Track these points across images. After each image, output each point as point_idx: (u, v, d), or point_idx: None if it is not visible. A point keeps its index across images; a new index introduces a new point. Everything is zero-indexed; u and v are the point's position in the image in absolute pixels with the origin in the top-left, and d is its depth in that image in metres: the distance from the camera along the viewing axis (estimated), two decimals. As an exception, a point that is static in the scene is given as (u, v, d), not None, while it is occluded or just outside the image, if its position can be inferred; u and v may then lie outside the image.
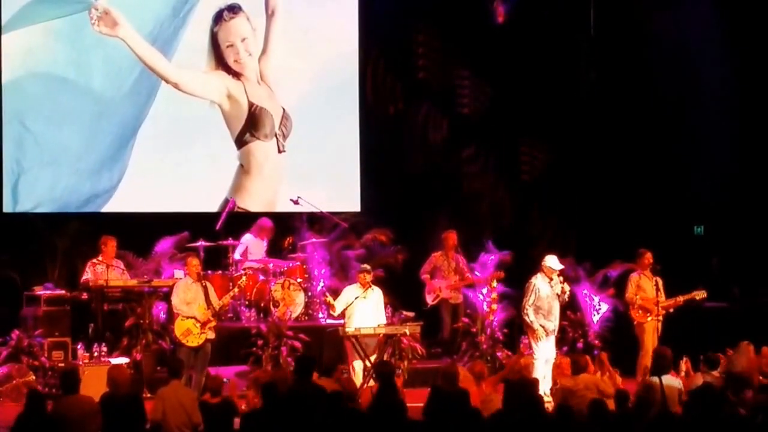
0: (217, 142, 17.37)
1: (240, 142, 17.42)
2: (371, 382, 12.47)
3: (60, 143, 16.61)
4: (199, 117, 17.30)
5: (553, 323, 13.93)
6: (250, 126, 17.42)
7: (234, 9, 17.41)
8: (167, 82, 17.10)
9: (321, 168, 17.48)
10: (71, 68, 16.73)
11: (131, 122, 16.99)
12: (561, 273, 14.10)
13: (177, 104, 17.25)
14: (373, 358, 13.44)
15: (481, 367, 12.02)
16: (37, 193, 16.39)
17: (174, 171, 17.13)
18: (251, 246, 15.88)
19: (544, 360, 13.79)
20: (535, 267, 14.15)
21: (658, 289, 14.47)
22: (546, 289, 13.87)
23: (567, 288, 14.04)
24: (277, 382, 10.58)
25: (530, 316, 13.82)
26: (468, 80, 18.09)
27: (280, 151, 17.55)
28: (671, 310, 14.62)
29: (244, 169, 17.41)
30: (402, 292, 15.50)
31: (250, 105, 17.43)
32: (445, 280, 15.62)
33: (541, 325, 13.81)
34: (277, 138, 17.55)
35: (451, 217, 17.10)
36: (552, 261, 13.93)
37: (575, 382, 11.27)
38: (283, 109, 17.62)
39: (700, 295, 14.60)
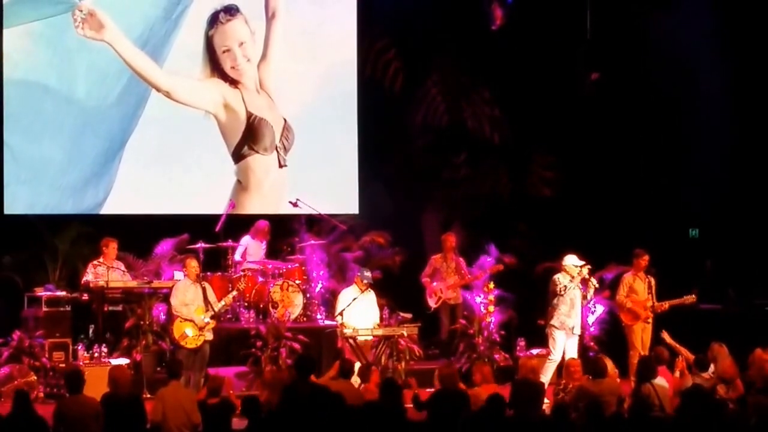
0: (213, 156, 16.62)
1: (237, 155, 16.71)
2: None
3: (40, 157, 15.79)
4: (193, 129, 16.53)
5: (573, 320, 14.02)
6: (249, 138, 16.71)
7: (231, 11, 16.65)
8: (158, 90, 16.32)
9: (319, 170, 17.04)
10: (52, 75, 15.88)
11: (118, 134, 16.17)
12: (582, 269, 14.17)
13: (169, 115, 16.42)
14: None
15: (486, 367, 12.10)
16: (14, 211, 15.69)
17: (165, 187, 16.39)
18: (250, 248, 15.90)
19: (559, 360, 13.87)
20: (532, 270, 14.33)
21: (650, 291, 14.61)
22: (569, 285, 13.98)
23: (594, 282, 14.18)
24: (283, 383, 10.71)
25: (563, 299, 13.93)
26: (466, 85, 18.15)
27: (281, 166, 16.87)
28: (658, 312, 14.72)
29: (242, 186, 16.73)
30: (400, 294, 15.60)
31: (249, 115, 16.71)
32: (445, 282, 15.73)
33: (561, 323, 13.94)
34: (277, 151, 16.84)
35: (449, 220, 17.23)
36: (572, 259, 14.08)
37: (599, 388, 11.04)
38: (285, 120, 16.92)
39: (689, 299, 14.69)
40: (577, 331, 14.11)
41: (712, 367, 11.78)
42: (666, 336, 13.00)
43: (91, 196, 16.14)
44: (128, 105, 16.24)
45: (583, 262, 14.13)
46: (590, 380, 11.36)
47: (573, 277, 14.05)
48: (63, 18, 15.90)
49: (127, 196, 16.28)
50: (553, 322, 13.97)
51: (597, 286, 14.36)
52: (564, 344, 13.97)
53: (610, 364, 11.91)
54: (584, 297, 14.18)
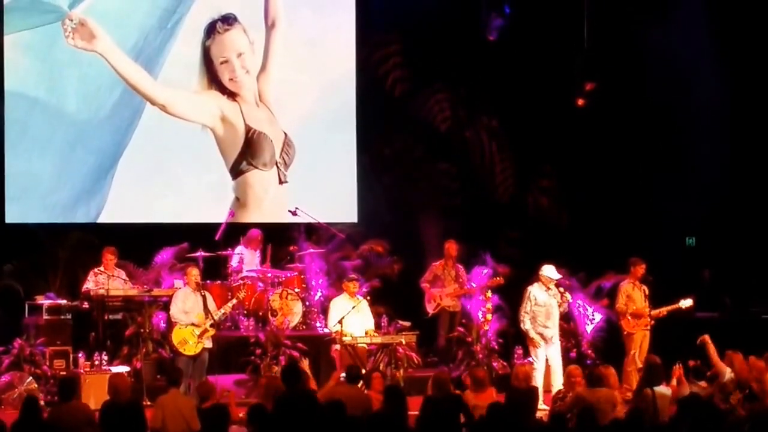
0: (210, 171, 16.30)
1: (236, 171, 16.39)
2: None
3: (28, 174, 15.43)
4: (189, 143, 16.19)
5: (551, 330, 14.18)
6: (248, 153, 16.37)
7: (229, 20, 16.30)
8: (153, 103, 15.93)
9: (318, 179, 16.92)
10: (42, 87, 15.47)
11: (111, 150, 15.78)
12: (559, 284, 14.33)
13: (164, 129, 16.05)
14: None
15: (483, 373, 12.17)
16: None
17: (159, 204, 16.07)
18: (245, 256, 15.93)
19: (543, 368, 14.04)
20: (530, 278, 14.41)
21: (646, 299, 14.70)
22: (543, 296, 14.14)
23: (568, 297, 14.28)
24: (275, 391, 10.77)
25: (525, 323, 14.14)
26: (464, 95, 18.19)
27: (281, 182, 16.55)
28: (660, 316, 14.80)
29: (240, 203, 16.36)
30: (398, 302, 15.71)
31: (248, 129, 16.37)
32: (445, 289, 15.81)
33: (538, 333, 14.10)
34: (278, 167, 16.49)
35: (447, 228, 17.30)
36: (549, 270, 14.19)
37: (594, 396, 10.93)
38: (285, 135, 16.58)
39: (685, 304, 14.76)
40: (556, 340, 14.24)
41: (730, 374, 11.81)
42: (706, 339, 12.82)
43: (82, 215, 15.86)
44: (121, 119, 15.83)
45: (559, 276, 14.23)
46: (587, 389, 11.39)
47: (548, 288, 14.17)
48: (52, 28, 15.47)
49: (119, 214, 15.93)
50: (531, 332, 14.09)
51: (570, 300, 14.40)
52: (545, 353, 14.11)
53: (613, 376, 11.87)
54: (559, 305, 14.28)
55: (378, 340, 14.10)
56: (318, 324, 15.52)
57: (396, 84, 17.87)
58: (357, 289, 14.45)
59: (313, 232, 16.54)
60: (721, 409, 10.76)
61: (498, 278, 15.56)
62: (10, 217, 15.64)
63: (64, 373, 13.83)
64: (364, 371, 13.38)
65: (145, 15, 15.94)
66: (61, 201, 15.75)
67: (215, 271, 15.70)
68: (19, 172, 15.55)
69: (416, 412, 10.81)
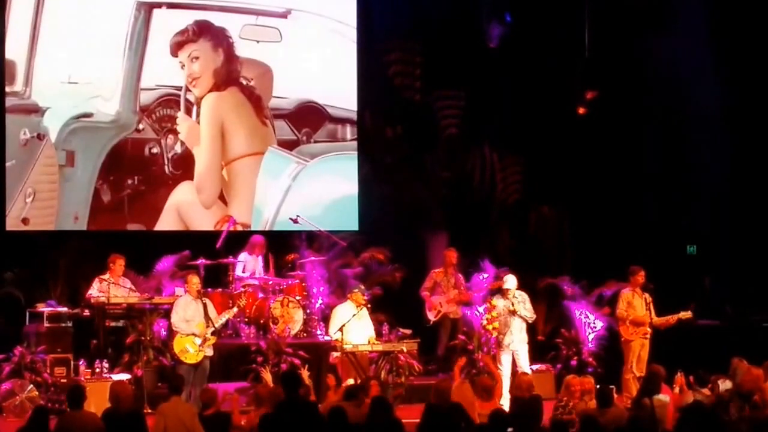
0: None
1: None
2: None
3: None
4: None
5: (508, 337, 14.28)
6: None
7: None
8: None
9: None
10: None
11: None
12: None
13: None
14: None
15: (490, 382, 12.17)
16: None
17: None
18: (248, 263, 15.98)
19: (508, 374, 14.07)
20: (532, 286, 14.50)
21: (648, 307, 14.68)
22: (500, 305, 14.35)
23: (517, 307, 14.25)
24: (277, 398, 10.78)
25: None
26: (463, 103, 18.25)
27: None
28: (661, 329, 14.76)
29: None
30: (399, 309, 15.73)
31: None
32: (445, 295, 15.83)
33: (499, 341, 14.31)
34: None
35: (448, 236, 17.33)
36: (506, 280, 14.45)
37: (605, 418, 10.55)
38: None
39: (685, 315, 14.73)
40: (514, 347, 14.26)
41: (728, 384, 11.79)
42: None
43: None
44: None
45: (511, 285, 14.37)
46: (597, 410, 11.02)
47: (507, 297, 14.31)
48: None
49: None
50: (500, 340, 14.32)
51: (514, 308, 14.39)
52: (509, 360, 14.23)
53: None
54: (513, 313, 14.30)
55: (379, 347, 14.11)
56: (319, 332, 15.53)
57: (397, 92, 17.91)
58: (364, 300, 14.43)
59: (314, 240, 16.57)
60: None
61: (499, 282, 15.57)
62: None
63: (65, 380, 13.85)
64: (363, 378, 13.45)
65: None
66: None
67: (216, 278, 15.72)
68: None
69: (415, 420, 10.84)
